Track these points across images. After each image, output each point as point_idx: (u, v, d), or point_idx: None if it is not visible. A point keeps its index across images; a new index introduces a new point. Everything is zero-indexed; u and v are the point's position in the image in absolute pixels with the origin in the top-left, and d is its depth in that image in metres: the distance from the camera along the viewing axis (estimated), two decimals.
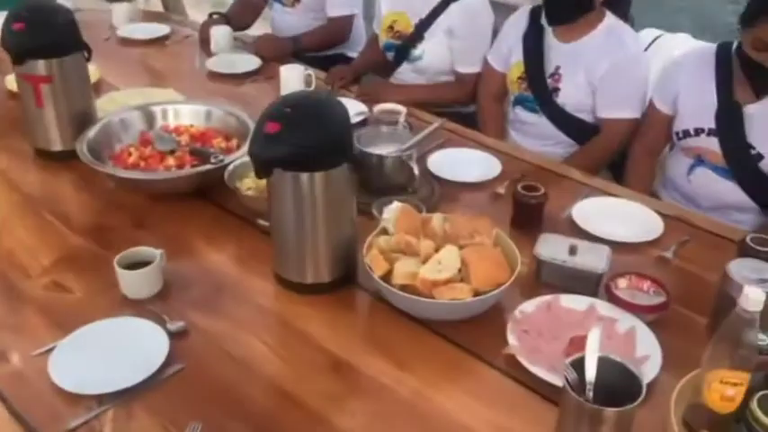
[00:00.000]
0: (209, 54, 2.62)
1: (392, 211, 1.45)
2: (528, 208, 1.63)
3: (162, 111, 1.94)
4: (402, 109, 1.98)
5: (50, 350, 1.25)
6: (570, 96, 2.04)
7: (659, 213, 1.70)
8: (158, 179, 1.65)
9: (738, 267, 1.30)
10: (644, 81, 1.98)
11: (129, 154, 1.79)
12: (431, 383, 1.23)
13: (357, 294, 1.43)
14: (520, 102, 2.16)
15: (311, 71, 2.30)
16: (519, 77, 2.12)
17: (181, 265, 1.48)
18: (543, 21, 2.06)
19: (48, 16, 1.74)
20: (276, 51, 2.58)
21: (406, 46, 2.38)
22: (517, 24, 2.15)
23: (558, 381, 1.19)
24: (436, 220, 1.43)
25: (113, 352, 1.25)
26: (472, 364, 1.27)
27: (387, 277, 1.32)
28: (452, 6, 2.26)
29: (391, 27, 2.43)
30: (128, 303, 1.38)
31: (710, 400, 1.07)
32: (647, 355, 1.27)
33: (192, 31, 2.88)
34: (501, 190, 1.81)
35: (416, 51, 2.35)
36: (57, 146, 1.86)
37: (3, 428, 1.12)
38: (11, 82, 2.24)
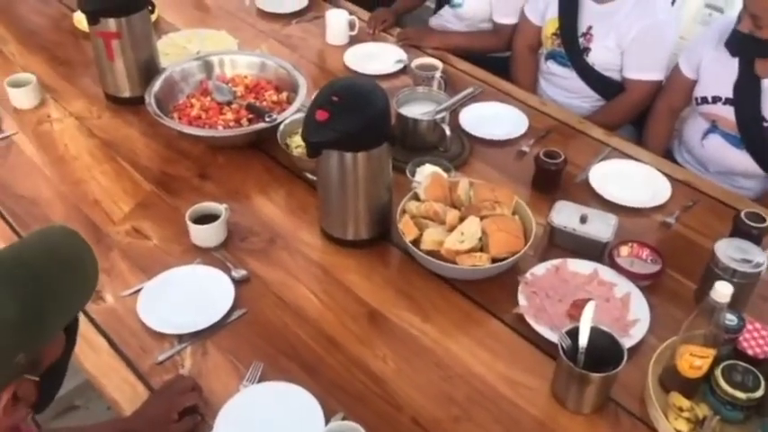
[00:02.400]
0: None
1: (424, 178, 1.65)
2: (548, 173, 1.81)
3: (219, 61, 2.11)
4: (438, 64, 2.12)
5: (136, 292, 1.52)
6: (599, 56, 2.14)
7: (669, 177, 1.86)
8: (217, 136, 1.86)
9: (725, 247, 1.48)
10: (671, 45, 2.08)
11: (191, 105, 1.99)
12: (449, 334, 1.47)
13: (390, 250, 1.66)
14: (552, 56, 2.27)
15: (354, 17, 2.43)
16: (553, 33, 2.23)
17: (240, 216, 1.71)
18: None
19: None
20: None
21: None
22: None
23: (550, 335, 1.43)
24: (462, 187, 1.63)
25: (189, 296, 1.51)
26: (486, 319, 1.50)
27: (416, 241, 1.54)
28: None
29: None
30: (197, 251, 1.63)
31: (681, 368, 1.29)
32: (637, 318, 1.48)
33: None
34: (526, 148, 1.98)
35: None
36: (125, 92, 2.07)
37: (106, 359, 1.40)
38: (80, 22, 2.43)
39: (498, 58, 2.50)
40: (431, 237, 1.51)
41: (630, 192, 1.81)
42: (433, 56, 2.37)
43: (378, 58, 2.35)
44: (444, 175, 1.71)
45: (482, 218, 1.55)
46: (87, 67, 2.24)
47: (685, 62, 2.02)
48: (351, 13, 2.43)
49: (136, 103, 2.06)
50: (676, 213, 1.77)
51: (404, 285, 1.57)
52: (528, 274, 1.55)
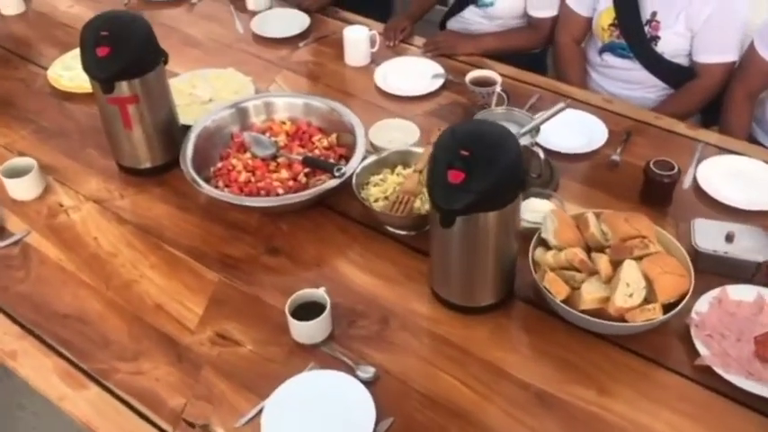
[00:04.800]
0: (240, 10, 2.43)
1: (548, 220, 1.43)
2: (661, 186, 1.62)
3: (255, 107, 1.82)
4: (497, 77, 1.89)
5: (254, 418, 1.25)
6: (670, 44, 1.96)
7: None
8: (287, 203, 1.57)
9: None
10: (744, 22, 1.91)
11: (232, 167, 1.70)
12: (633, 404, 1.26)
13: (525, 311, 1.43)
14: (610, 49, 2.07)
15: (374, 32, 2.17)
16: (610, 25, 2.02)
17: (334, 293, 1.43)
18: None
19: (130, 32, 1.57)
20: (321, 1, 2.40)
21: None
22: None
23: (754, 387, 1.24)
24: (592, 223, 1.42)
25: (323, 414, 1.25)
26: (667, 378, 1.30)
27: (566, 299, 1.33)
28: None
29: None
30: (302, 350, 1.36)
31: None
32: None
33: None
34: (616, 157, 1.78)
35: None
36: (146, 163, 1.76)
37: None
38: (58, 81, 2.08)
39: (531, 55, 2.29)
40: (591, 295, 1.30)
41: (749, 192, 1.64)
42: (468, 63, 2.15)
43: (411, 74, 2.10)
44: (565, 211, 1.50)
45: (635, 259, 1.34)
46: (84, 135, 1.91)
47: (761, 42, 1.85)
48: (370, 30, 2.17)
49: (158, 173, 1.76)
50: None
51: (559, 352, 1.35)
52: (694, 314, 1.36)
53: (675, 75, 2.02)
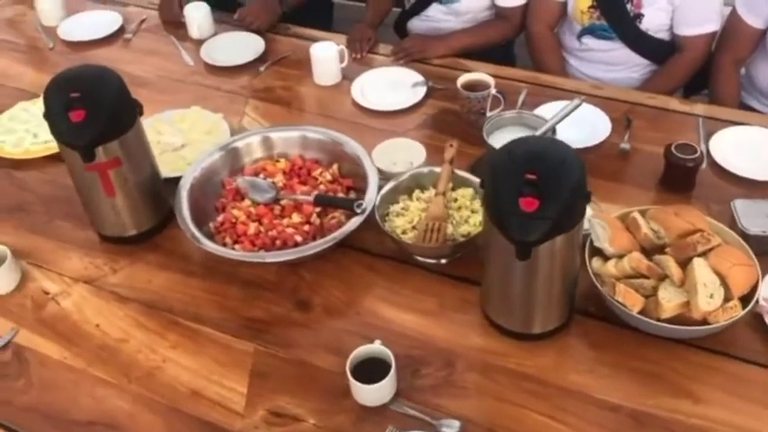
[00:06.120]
0: (182, 39, 2.24)
1: (597, 227, 1.36)
2: (684, 170, 1.58)
3: (246, 147, 1.66)
4: (490, 79, 1.80)
5: None
6: (654, 20, 1.92)
7: None
8: (310, 253, 1.42)
9: None
10: None
11: (235, 219, 1.54)
12: (735, 409, 1.20)
13: (590, 326, 1.35)
14: (590, 31, 2.02)
15: (343, 47, 2.03)
16: (590, 7, 1.97)
17: (383, 341, 1.32)
18: None
19: (102, 89, 1.38)
20: (270, 19, 2.24)
21: None
22: None
23: None
24: (642, 224, 1.36)
25: None
26: (757, 374, 1.25)
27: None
28: None
29: None
30: (371, 413, 1.24)
31: None
32: None
33: (139, 11, 2.44)
34: (625, 145, 1.73)
35: None
36: (132, 230, 1.57)
37: None
38: (1, 146, 1.84)
39: (495, 48, 2.20)
40: (671, 303, 1.23)
41: (758, 161, 1.63)
42: (443, 65, 2.06)
43: (389, 86, 1.98)
44: (602, 211, 1.43)
45: (700, 255, 1.29)
46: (48, 207, 1.70)
47: (746, 10, 1.84)
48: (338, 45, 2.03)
49: (147, 238, 1.58)
50: None
51: (638, 364, 1.28)
52: (762, 302, 1.32)
53: (659, 51, 1.99)
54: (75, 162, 1.43)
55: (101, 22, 2.34)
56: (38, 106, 1.89)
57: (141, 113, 1.51)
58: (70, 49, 2.29)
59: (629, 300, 1.25)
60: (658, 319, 1.24)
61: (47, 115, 1.39)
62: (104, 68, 1.44)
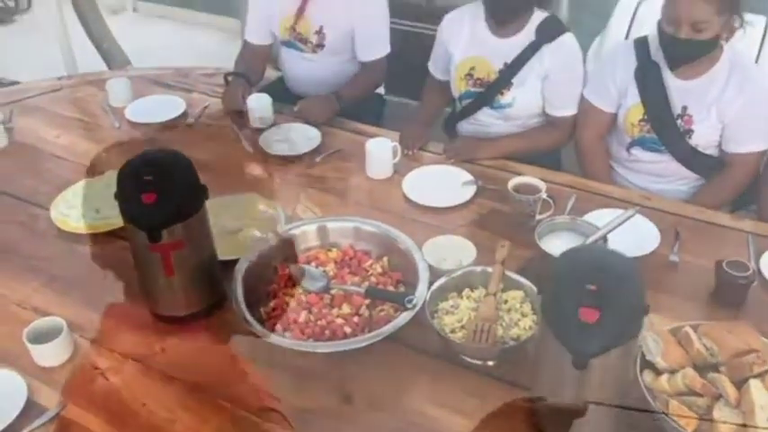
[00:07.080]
0: (243, 127, 2.33)
1: (649, 340, 1.35)
2: (736, 288, 1.58)
3: (302, 234, 1.70)
4: (541, 184, 1.84)
5: None
6: (704, 137, 1.97)
7: None
8: (362, 346, 1.44)
9: None
10: None
11: (286, 305, 1.56)
12: None
13: None
14: (640, 143, 2.07)
15: (396, 144, 2.11)
16: (640, 120, 2.02)
17: None
18: (656, 57, 1.96)
19: (174, 174, 1.45)
20: (328, 113, 2.34)
21: (490, 93, 2.20)
22: (622, 62, 2.03)
23: None
24: (695, 339, 1.35)
25: None
26: None
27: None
28: (545, 49, 2.10)
29: (470, 74, 2.22)
30: None
31: None
32: None
33: (203, 97, 2.56)
34: (674, 257, 1.74)
35: (505, 99, 2.18)
36: (185, 310, 1.60)
37: None
38: (66, 222, 1.91)
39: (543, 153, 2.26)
40: (728, 425, 1.21)
41: None
42: (492, 167, 2.11)
43: (439, 183, 2.03)
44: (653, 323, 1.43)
45: (756, 376, 1.27)
46: (102, 283, 1.74)
47: None
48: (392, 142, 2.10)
49: (198, 319, 1.60)
50: None
51: None
52: None
53: (708, 165, 2.03)
54: (140, 241, 1.48)
55: (166, 106, 2.46)
56: (102, 182, 1.98)
57: (207, 197, 1.57)
58: (135, 130, 2.40)
59: (685, 420, 1.24)
60: None
61: (119, 195, 1.45)
62: (177, 153, 1.51)
